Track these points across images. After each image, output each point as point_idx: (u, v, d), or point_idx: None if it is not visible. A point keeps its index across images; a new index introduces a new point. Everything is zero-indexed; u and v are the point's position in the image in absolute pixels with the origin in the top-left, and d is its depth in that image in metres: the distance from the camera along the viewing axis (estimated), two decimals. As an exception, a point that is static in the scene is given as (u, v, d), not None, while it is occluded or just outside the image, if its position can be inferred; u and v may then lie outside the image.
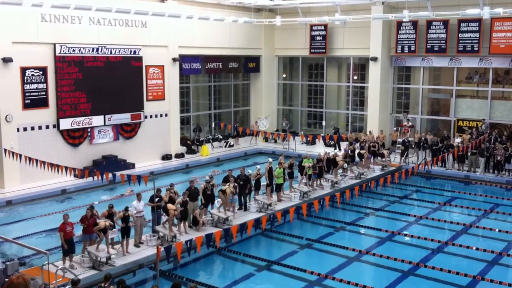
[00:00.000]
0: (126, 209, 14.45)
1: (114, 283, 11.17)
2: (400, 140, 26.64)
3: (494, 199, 21.25)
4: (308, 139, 29.28)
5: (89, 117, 22.96)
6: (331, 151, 25.03)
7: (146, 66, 25.19)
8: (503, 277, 13.76)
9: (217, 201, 17.44)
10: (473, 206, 20.09)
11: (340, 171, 22.62)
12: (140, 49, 24.70)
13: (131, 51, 24.39)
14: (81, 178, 21.05)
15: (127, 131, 24.69)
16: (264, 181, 19.21)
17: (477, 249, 15.72)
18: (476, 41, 25.76)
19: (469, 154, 24.16)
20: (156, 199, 15.99)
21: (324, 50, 30.40)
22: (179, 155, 26.77)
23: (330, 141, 28.68)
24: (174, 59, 26.40)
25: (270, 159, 19.95)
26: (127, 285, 10.99)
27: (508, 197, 21.56)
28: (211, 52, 28.78)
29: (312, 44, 30.76)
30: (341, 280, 13.44)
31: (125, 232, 14.30)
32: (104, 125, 23.64)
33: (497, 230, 17.46)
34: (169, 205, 15.44)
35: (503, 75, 27.65)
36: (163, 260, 13.85)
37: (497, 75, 27.31)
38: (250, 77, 32.67)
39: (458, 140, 25.31)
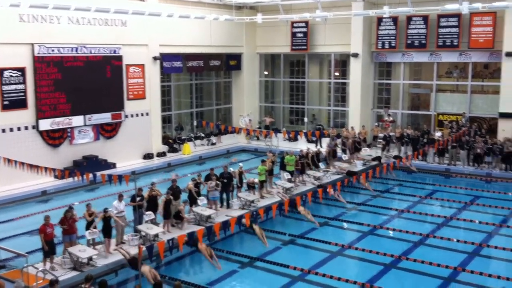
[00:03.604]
0: (105, 210, 14.39)
1: (96, 284, 11.08)
2: (381, 135, 26.82)
3: (474, 191, 21.49)
4: (291, 135, 29.29)
5: (69, 117, 22.73)
6: (313, 147, 25.17)
7: (126, 65, 25.01)
8: (484, 268, 13.96)
9: (200, 199, 17.40)
10: (453, 199, 20.29)
11: (322, 166, 22.72)
12: (120, 48, 24.52)
13: (111, 51, 24.20)
14: (61, 179, 20.98)
15: (107, 131, 24.49)
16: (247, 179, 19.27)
17: (458, 241, 15.93)
18: (456, 36, 26.01)
19: (449, 147, 24.40)
20: (138, 199, 15.91)
21: (305, 47, 30.46)
22: (161, 154, 26.66)
23: (312, 138, 28.76)
24: (155, 58, 26.26)
25: (241, 164, 19.95)
26: (108, 286, 10.90)
27: (487, 189, 21.83)
28: (192, 50, 28.67)
29: (294, 41, 30.80)
30: (324, 275, 13.51)
31: (106, 233, 14.19)
32: (84, 125, 23.43)
33: (477, 221, 17.68)
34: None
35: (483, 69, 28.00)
36: (146, 260, 13.82)
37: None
38: (232, 74, 32.61)
39: (438, 134, 25.56)
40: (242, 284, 13.37)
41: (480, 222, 17.59)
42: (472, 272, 13.67)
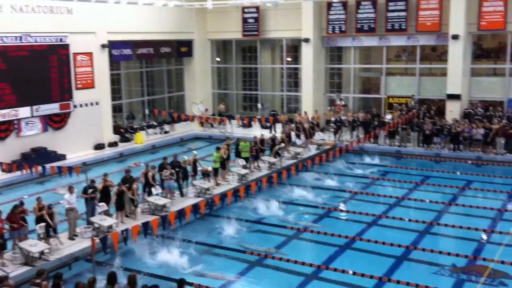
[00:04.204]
0: (50, 207, 14.08)
1: (50, 278, 10.79)
2: (333, 119, 27.13)
3: (424, 171, 22.08)
4: (245, 122, 29.30)
5: (15, 109, 21.92)
6: (267, 133, 25.23)
7: (73, 53, 24.29)
8: (435, 246, 14.39)
9: (154, 188, 17.18)
10: (404, 179, 20.77)
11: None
12: (66, 36, 23.79)
13: (57, 39, 23.45)
14: (9, 173, 20.31)
15: (56, 122, 23.81)
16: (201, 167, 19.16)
17: (409, 220, 16.34)
18: (404, 19, 26.47)
19: (399, 129, 24.93)
20: (90, 190, 15.58)
21: (257, 33, 30.37)
22: (113, 144, 26.15)
23: (266, 123, 28.82)
24: (103, 46, 25.63)
25: (195, 152, 19.82)
26: (63, 279, 10.62)
27: (437, 169, 22.45)
28: (142, 37, 28.10)
29: (245, 26, 30.65)
30: (280, 259, 13.62)
31: (48, 229, 13.90)
32: (32, 116, 22.67)
33: (427, 201, 18.18)
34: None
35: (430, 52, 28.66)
36: (100, 252, 13.59)
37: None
38: (183, 61, 32.20)
39: (388, 116, 26.06)
40: (202, 271, 13.28)
41: (430, 201, 18.10)
42: (423, 250, 14.07)
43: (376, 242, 14.52)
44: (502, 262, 12.98)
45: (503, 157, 22.75)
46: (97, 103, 25.64)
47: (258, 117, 29.78)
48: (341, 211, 17.44)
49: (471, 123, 23.84)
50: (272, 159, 21.97)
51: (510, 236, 14.65)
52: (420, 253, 13.93)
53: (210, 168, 19.24)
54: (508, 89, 25.28)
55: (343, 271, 12.86)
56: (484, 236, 15.11)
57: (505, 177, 20.85)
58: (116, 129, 27.16)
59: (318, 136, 26.17)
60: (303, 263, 13.33)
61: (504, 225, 15.70)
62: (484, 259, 13.37)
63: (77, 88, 24.59)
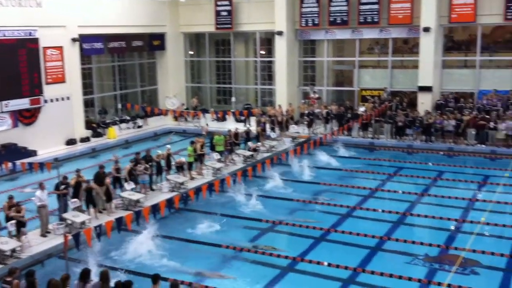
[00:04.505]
0: (18, 204, 13.86)
1: (22, 276, 10.58)
2: (307, 112, 27.21)
3: (397, 163, 22.30)
4: (219, 115, 29.21)
5: (-17, 104, 21.49)
6: (241, 126, 25.19)
7: (43, 47, 23.86)
8: (408, 236, 14.56)
9: (127, 183, 17.01)
10: (378, 171, 20.97)
11: (250, 145, 22.79)
12: (36, 30, 23.33)
13: (26, 33, 22.99)
14: (-22, 170, 19.88)
15: (26, 117, 23.37)
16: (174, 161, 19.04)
17: (383, 211, 16.50)
18: (376, 12, 26.65)
19: (373, 122, 25.14)
20: (62, 187, 15.35)
21: (230, 26, 30.24)
22: (85, 139, 25.80)
23: (241, 117, 28.78)
24: (74, 39, 25.22)
25: (168, 146, 19.67)
26: (35, 277, 10.42)
27: (409, 160, 22.71)
28: (114, 30, 27.70)
29: (218, 19, 30.48)
30: (256, 252, 13.62)
31: (19, 227, 13.67)
32: (1, 112, 22.22)
33: (400, 192, 18.41)
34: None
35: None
36: (73, 248, 13.39)
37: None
38: (156, 55, 31.89)
39: (362, 109, 26.26)
40: (177, 264, 13.21)
41: (403, 192, 18.33)
42: (397, 240, 14.23)
43: (350, 233, 14.65)
44: (474, 251, 13.21)
45: (474, 147, 23.14)
46: (68, 98, 25.24)
47: (232, 110, 29.72)
48: (316, 203, 17.50)
49: (442, 115, 24.16)
50: (247, 153, 21.94)
51: (481, 225, 14.92)
52: (393, 244, 14.09)
53: (184, 160, 19.11)
54: (478, 81, 25.71)
55: (318, 263, 12.93)
56: (456, 226, 15.36)
57: (476, 167, 21.20)
58: (88, 124, 26.79)
59: (293, 129, 26.24)
60: (278, 256, 13.37)
61: (475, 214, 15.97)
62: (456, 248, 13.59)
63: (47, 83, 24.15)
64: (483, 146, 23.02)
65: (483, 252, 13.17)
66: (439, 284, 11.60)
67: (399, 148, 24.17)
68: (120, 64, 30.56)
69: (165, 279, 10.60)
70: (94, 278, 10.18)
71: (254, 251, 13.69)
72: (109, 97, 30.14)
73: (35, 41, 23.42)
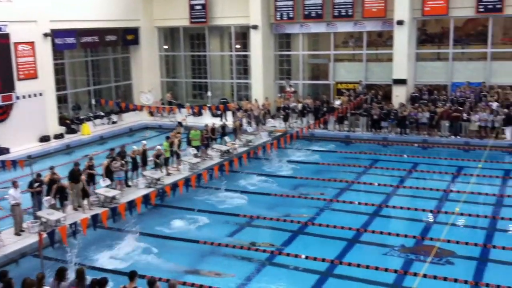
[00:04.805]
0: None
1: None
2: (283, 105, 27.24)
3: (372, 155, 22.49)
4: (195, 110, 29.06)
5: (-47, 101, 21.01)
6: (218, 121, 25.11)
7: (14, 43, 23.36)
8: (384, 228, 14.71)
9: (103, 180, 16.83)
10: (354, 164, 21.10)
11: (227, 139, 22.74)
12: (6, 25, 22.85)
13: (-5, 28, 22.56)
14: None
15: (-2, 114, 22.95)
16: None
17: (359, 203, 16.61)
18: (350, 6, 26.76)
19: (348, 115, 25.29)
20: (36, 184, 15.10)
21: (204, 20, 30.05)
22: (59, 136, 25.41)
23: (217, 112, 28.68)
24: (46, 35, 24.78)
25: (144, 142, 19.48)
26: (10, 277, 10.22)
27: (384, 152, 22.92)
28: (86, 25, 27.27)
29: (192, 13, 30.28)
30: (234, 246, 13.60)
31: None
32: (-29, 109, 21.80)
33: (376, 184, 18.57)
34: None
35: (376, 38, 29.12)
36: (48, 247, 13.20)
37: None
38: (129, 50, 31.53)
39: (337, 102, 26.38)
40: (156, 261, 13.11)
41: (379, 184, 18.49)
42: (373, 232, 14.36)
43: (327, 226, 14.73)
44: (448, 241, 13.39)
45: (447, 139, 23.45)
46: (40, 94, 24.81)
47: (208, 105, 29.59)
48: (293, 197, 17.53)
49: (416, 107, 24.42)
50: (224, 147, 21.88)
51: (455, 216, 15.13)
52: (370, 235, 14.21)
53: (162, 150, 18.91)
54: (451, 73, 26.05)
55: (296, 256, 12.98)
56: (431, 217, 15.58)
57: (450, 158, 21.51)
58: (62, 121, 26.39)
59: (269, 123, 26.26)
60: (256, 250, 13.37)
61: (450, 205, 16.21)
62: (431, 239, 13.77)
63: (19, 79, 23.70)
64: (457, 137, 23.35)
65: (457, 242, 13.34)
66: (415, 274, 11.74)
67: (374, 140, 24.37)
68: (94, 59, 30.14)
69: (142, 276, 10.51)
70: (70, 276, 10.04)
71: (232, 246, 13.65)
72: (82, 93, 29.72)
73: (6, 36, 22.93)
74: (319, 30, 28.70)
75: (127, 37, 30.29)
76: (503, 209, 16.01)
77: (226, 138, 22.84)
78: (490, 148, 20.94)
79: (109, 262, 13.05)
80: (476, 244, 13.37)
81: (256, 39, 28.65)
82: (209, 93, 31.57)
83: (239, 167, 19.81)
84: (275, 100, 29.00)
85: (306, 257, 12.85)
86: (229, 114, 27.66)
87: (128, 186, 17.76)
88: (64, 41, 26.13)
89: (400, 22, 25.33)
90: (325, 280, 12.12)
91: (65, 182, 15.87)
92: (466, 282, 11.54)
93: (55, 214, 14.61)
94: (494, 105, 23.25)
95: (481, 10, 24.52)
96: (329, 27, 28.04)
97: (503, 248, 13.05)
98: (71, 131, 26.28)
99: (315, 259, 12.72)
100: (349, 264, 12.45)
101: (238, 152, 21.63)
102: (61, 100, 27.53)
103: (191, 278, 12.02)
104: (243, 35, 30.99)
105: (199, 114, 28.95)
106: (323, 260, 12.67)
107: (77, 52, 28.78)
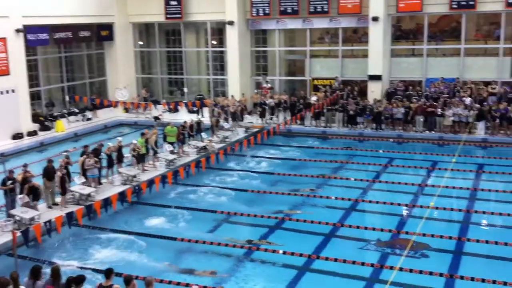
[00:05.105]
0: None
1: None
2: (260, 102, 27.24)
3: (349, 150, 22.65)
4: (171, 106, 28.88)
5: None
6: (194, 117, 24.99)
7: (-15, 39, 22.96)
8: (360, 222, 14.84)
9: (77, 177, 16.61)
10: (331, 159, 21.20)
11: (204, 136, 22.67)
12: (-24, 20, 22.42)
13: (-35, 23, 22.06)
14: None
15: (-31, 111, 22.46)
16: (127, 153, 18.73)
17: (336, 198, 16.71)
18: (326, 2, 26.85)
19: (325, 111, 25.41)
20: (9, 182, 14.83)
21: (180, 16, 29.85)
22: (32, 133, 24.99)
23: (193, 108, 28.55)
24: (18, 30, 24.31)
25: (120, 138, 19.27)
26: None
27: (361, 147, 23.11)
28: (60, 21, 26.83)
29: (167, 9, 30.04)
30: (211, 243, 13.55)
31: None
32: None
33: (352, 179, 18.69)
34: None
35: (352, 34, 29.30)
36: (22, 245, 12.99)
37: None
38: (104, 46, 31.15)
39: (314, 98, 26.48)
40: (133, 258, 12.99)
41: (355, 179, 18.62)
42: (350, 226, 14.46)
43: (304, 221, 14.77)
44: (424, 235, 13.53)
45: (422, 134, 23.74)
46: (13, 91, 24.33)
47: (184, 101, 29.43)
48: (270, 193, 17.54)
49: (391, 103, 24.65)
50: (200, 144, 21.79)
51: (430, 210, 15.32)
52: (347, 230, 14.30)
53: (138, 144, 18.71)
54: (426, 69, 26.37)
55: (273, 251, 13.01)
56: (406, 211, 15.76)
57: (424, 153, 21.77)
58: (35, 118, 25.95)
59: (246, 119, 26.23)
60: (234, 246, 13.35)
61: (425, 199, 16.39)
62: (407, 233, 13.91)
63: (-10, 75, 23.28)
64: (431, 132, 23.65)
65: (432, 236, 13.50)
66: (391, 267, 11.84)
67: (350, 136, 24.53)
68: (67, 55, 29.68)
69: (119, 274, 10.40)
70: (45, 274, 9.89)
71: (209, 242, 13.60)
72: (56, 89, 29.28)
73: (-24, 32, 22.52)
74: (295, 26, 28.76)
75: (102, 33, 29.93)
76: (477, 202, 16.27)
77: (203, 135, 22.73)
78: (464, 142, 21.24)
79: (85, 260, 12.87)
80: (450, 237, 13.55)
81: (232, 35, 28.57)
82: (185, 89, 31.38)
83: (216, 163, 19.77)
84: (251, 96, 28.99)
85: (284, 252, 12.88)
86: (205, 110, 27.54)
87: (100, 183, 17.49)
88: (37, 37, 25.69)
89: (375, 19, 25.52)
90: (303, 275, 12.17)
91: (39, 180, 15.63)
92: (441, 274, 11.69)
93: (29, 212, 14.36)
94: (468, 100, 23.61)
95: (455, 6, 24.85)
96: (305, 23, 28.11)
97: (477, 241, 13.25)
98: (44, 128, 25.88)
99: (292, 254, 12.75)
100: (326, 259, 12.51)
101: (215, 149, 21.55)
102: (34, 97, 27.08)
103: (168, 275, 11.93)
104: (219, 31, 30.86)
105: (175, 110, 28.77)
106: (301, 255, 12.71)
107: (50, 48, 28.32)
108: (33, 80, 26.77)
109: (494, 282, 11.21)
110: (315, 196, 17.09)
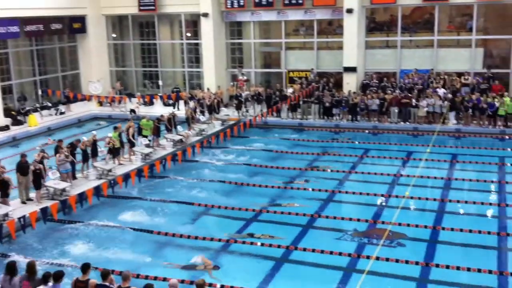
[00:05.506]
0: None
1: None
2: (236, 94, 27.17)
3: (325, 142, 22.77)
4: (146, 100, 28.61)
5: None
6: (170, 110, 24.82)
7: (-47, 32, 22.39)
8: (338, 213, 14.96)
9: (52, 172, 16.36)
10: (307, 151, 21.27)
11: (180, 129, 22.51)
12: None
13: None
14: None
15: None
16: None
17: (313, 189, 16.79)
18: (301, -6, 26.89)
19: (301, 103, 25.47)
20: (-19, 177, 14.54)
21: (153, 7, 29.52)
22: (4, 128, 24.51)
23: (169, 101, 28.34)
24: (-13, 23, 23.82)
25: (94, 132, 19.03)
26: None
27: (337, 139, 23.24)
28: (31, 13, 26.24)
29: (141, 1, 29.68)
30: (189, 237, 13.50)
31: None
32: None
33: (329, 170, 18.80)
34: None
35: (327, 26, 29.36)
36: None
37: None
38: (77, 38, 30.65)
39: (290, 90, 26.52)
40: (109, 252, 12.87)
41: (331, 170, 18.73)
42: (327, 217, 14.56)
43: (282, 213, 14.83)
44: (399, 224, 13.69)
45: (397, 125, 23.97)
46: (-17, 85, 23.87)
47: (159, 94, 29.19)
48: (247, 185, 17.53)
49: (365, 95, 24.83)
50: (176, 137, 21.65)
51: (405, 200, 15.48)
52: (324, 221, 14.41)
53: (114, 138, 18.50)
54: (400, 61, 26.61)
55: (251, 243, 13.02)
56: (382, 201, 15.93)
57: (399, 144, 22.02)
58: (7, 112, 25.46)
59: (222, 111, 26.14)
60: (211, 239, 13.32)
61: (400, 189, 16.57)
62: (383, 223, 14.07)
63: (-41, 69, 22.73)
64: (406, 123, 23.90)
65: (408, 225, 13.70)
66: (368, 257, 11.95)
67: (327, 128, 24.64)
68: (39, 48, 29.11)
69: (95, 268, 10.30)
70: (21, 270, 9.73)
71: (187, 236, 13.54)
72: (28, 83, 28.72)
73: None
74: (270, 18, 28.70)
75: (74, 26, 29.43)
76: (451, 191, 16.51)
77: (179, 128, 22.58)
78: (438, 133, 21.53)
79: (61, 255, 12.69)
80: (426, 226, 13.75)
81: (207, 27, 28.39)
82: (160, 82, 31.10)
83: (192, 156, 19.67)
84: (227, 89, 28.89)
85: (262, 244, 12.91)
86: (181, 103, 27.36)
87: (75, 178, 17.24)
88: (7, 29, 25.12)
89: (349, 11, 25.62)
90: (281, 266, 12.22)
91: (12, 175, 15.36)
92: (417, 263, 11.87)
93: (2, 208, 14.11)
94: (441, 91, 23.91)
95: (428, -2, 25.12)
96: (280, 15, 28.08)
97: (452, 229, 13.48)
98: (17, 122, 25.41)
99: (270, 245, 12.80)
100: (304, 250, 12.59)
101: (191, 142, 21.44)
102: (6, 91, 26.54)
103: (146, 269, 11.83)
104: (193, 23, 30.62)
105: (151, 103, 28.52)
106: (279, 246, 12.77)
107: (21, 41, 27.73)
108: (4, 74, 26.28)
109: (468, 269, 11.44)
110: (292, 188, 17.14)
